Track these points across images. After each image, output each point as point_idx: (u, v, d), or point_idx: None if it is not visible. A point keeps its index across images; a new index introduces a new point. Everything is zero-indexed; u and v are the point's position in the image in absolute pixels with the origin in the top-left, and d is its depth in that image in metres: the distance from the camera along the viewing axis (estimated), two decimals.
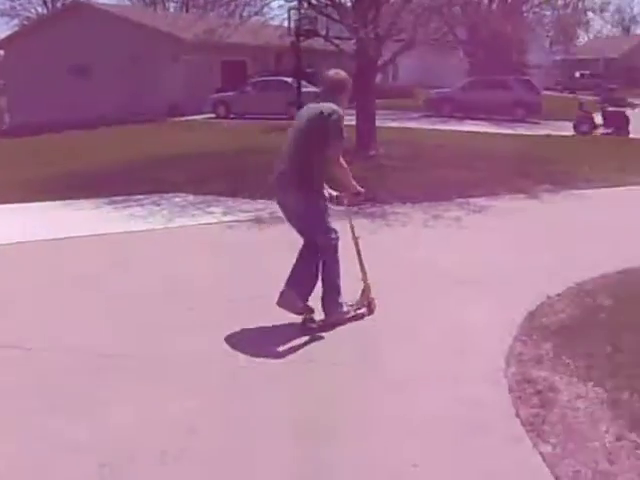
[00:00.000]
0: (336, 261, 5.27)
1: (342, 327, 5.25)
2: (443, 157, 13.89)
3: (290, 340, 4.98)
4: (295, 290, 5.12)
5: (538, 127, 23.35)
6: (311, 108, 5.26)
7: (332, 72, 5.47)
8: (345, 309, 5.33)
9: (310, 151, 5.09)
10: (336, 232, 5.27)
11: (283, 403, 4.11)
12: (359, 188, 5.65)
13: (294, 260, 5.23)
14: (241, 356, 4.71)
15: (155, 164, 13.57)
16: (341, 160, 5.21)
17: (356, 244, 5.48)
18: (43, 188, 11.13)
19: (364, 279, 5.47)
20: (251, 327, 5.23)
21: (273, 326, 5.23)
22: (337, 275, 5.28)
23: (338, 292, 5.29)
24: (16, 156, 17.16)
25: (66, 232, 8.24)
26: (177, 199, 10.15)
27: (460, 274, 6.55)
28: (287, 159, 5.17)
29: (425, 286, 6.27)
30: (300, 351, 4.84)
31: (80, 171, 13.02)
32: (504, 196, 10.44)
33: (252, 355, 4.73)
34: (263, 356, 4.71)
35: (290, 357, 4.74)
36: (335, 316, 5.27)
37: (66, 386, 4.32)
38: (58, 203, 10.04)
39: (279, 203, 5.40)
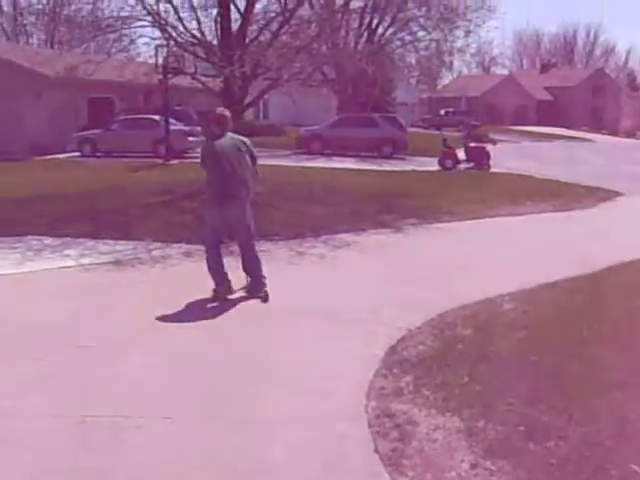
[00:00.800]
0: None
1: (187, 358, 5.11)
2: (309, 194, 14.03)
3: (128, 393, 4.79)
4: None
5: (404, 163, 24.08)
6: (233, 139, 7.02)
7: (222, 110, 7.20)
8: None
9: (249, 171, 7.10)
10: None
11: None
12: None
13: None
14: (84, 412, 4.46)
15: (13, 205, 12.93)
16: None
17: None
18: None
19: None
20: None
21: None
22: None
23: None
24: None
25: None
26: (34, 242, 9.65)
27: (321, 310, 6.55)
28: (232, 180, 6.84)
29: (288, 324, 6.21)
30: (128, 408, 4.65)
31: None
32: (369, 231, 10.62)
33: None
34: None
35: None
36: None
37: None
38: None
39: (226, 217, 6.97)
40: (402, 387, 4.76)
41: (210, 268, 7.04)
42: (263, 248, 9.28)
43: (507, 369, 5.08)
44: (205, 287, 7.30)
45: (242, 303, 6.83)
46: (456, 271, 8.17)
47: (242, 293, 7.06)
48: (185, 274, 8.05)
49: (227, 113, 7.11)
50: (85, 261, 8.52)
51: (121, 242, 9.46)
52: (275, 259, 8.72)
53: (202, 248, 8.33)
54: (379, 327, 6.02)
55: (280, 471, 3.75)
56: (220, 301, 6.82)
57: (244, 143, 7.15)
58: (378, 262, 8.76)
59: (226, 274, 7.06)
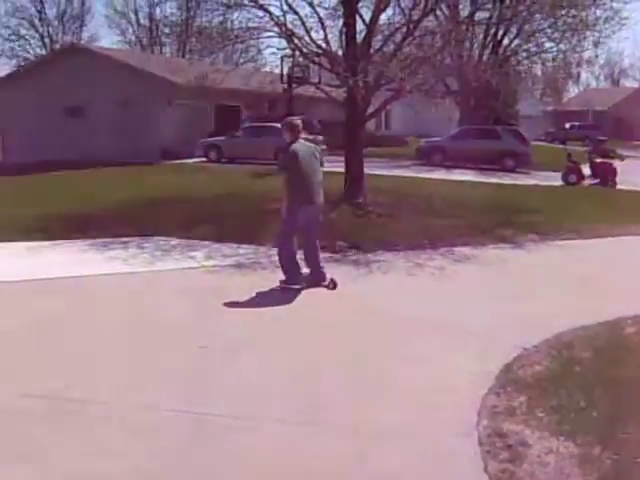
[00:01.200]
0: None
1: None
2: (429, 206, 13.98)
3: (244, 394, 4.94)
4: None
5: (526, 177, 23.55)
6: (307, 146, 7.83)
7: (292, 119, 8.03)
8: None
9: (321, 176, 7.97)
10: None
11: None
12: None
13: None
14: (200, 409, 4.63)
15: (144, 207, 13.60)
16: None
17: None
18: (30, 228, 11.11)
19: None
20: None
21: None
22: None
23: None
24: (6, 195, 17.16)
25: (45, 273, 8.22)
26: (161, 242, 10.15)
27: (437, 324, 6.54)
28: (313, 183, 7.73)
29: (403, 335, 6.25)
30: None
31: (69, 212, 13.02)
32: (488, 245, 10.48)
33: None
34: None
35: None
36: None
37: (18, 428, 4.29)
38: (44, 244, 10.02)
39: (309, 219, 7.78)
40: (515, 407, 4.70)
41: (288, 263, 7.70)
42: (382, 258, 9.39)
43: (627, 396, 4.92)
44: (322, 293, 7.48)
45: (359, 309, 6.92)
46: (577, 290, 7.95)
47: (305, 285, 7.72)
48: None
49: (298, 122, 7.84)
50: (209, 263, 8.88)
51: (243, 246, 9.79)
52: (394, 269, 8.79)
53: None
54: (495, 344, 5.95)
55: None
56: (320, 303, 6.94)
57: (318, 150, 7.98)
58: (497, 277, 8.65)
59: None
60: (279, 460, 3.97)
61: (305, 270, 7.89)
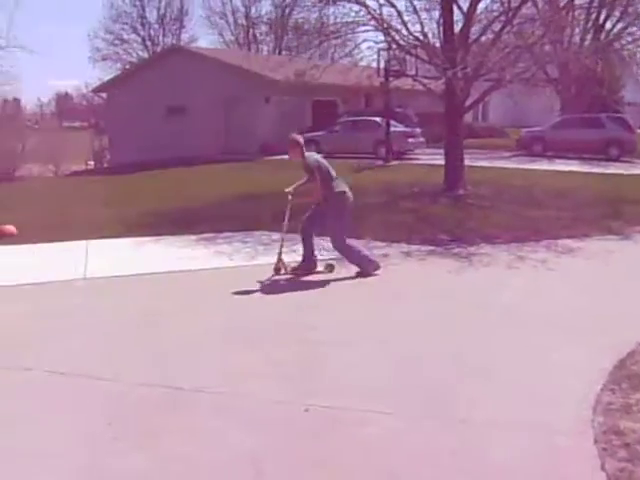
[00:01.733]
0: None
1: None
2: (532, 197, 13.66)
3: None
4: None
5: (632, 166, 22.63)
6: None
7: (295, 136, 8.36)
8: None
9: None
10: None
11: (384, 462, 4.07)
12: None
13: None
14: (308, 401, 4.68)
15: (245, 202, 13.87)
16: None
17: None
18: (137, 224, 11.53)
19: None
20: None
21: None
22: None
23: None
24: (114, 193, 17.84)
25: (150, 267, 8.51)
26: (263, 237, 10.33)
27: (547, 317, 6.39)
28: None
29: (510, 329, 6.14)
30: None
31: (173, 208, 13.43)
32: (593, 237, 10.15)
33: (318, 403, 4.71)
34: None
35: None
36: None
37: (131, 417, 4.44)
38: (151, 239, 10.36)
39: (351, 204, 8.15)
40: (631, 404, 4.53)
41: (355, 254, 8.11)
42: (483, 251, 9.24)
43: None
44: (427, 288, 7.44)
45: (460, 302, 6.84)
46: None
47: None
48: (405, 274, 8.21)
49: (301, 140, 8.31)
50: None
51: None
52: (495, 262, 8.64)
53: (414, 249, 9.29)
54: (606, 339, 5.76)
55: (500, 477, 3.74)
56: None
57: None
58: (604, 270, 8.37)
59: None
60: (388, 453, 3.97)
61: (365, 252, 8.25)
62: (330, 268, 8.25)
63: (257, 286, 7.70)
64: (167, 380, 4.98)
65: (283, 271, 8.16)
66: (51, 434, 4.22)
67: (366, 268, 8.05)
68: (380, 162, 23.11)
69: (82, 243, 10.11)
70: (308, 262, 8.24)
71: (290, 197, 8.47)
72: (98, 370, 5.19)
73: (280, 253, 8.20)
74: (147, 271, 8.35)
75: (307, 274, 8.10)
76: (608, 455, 3.89)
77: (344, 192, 8.10)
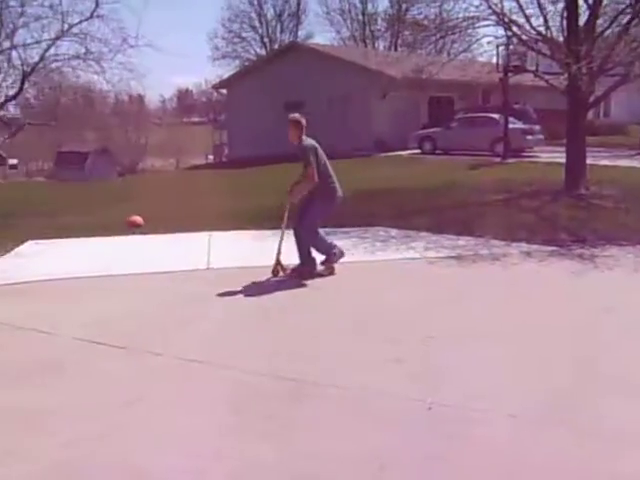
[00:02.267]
0: None
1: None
2: None
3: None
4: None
5: None
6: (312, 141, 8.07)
7: (297, 116, 8.23)
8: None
9: None
10: None
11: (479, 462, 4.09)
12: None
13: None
14: (432, 395, 4.69)
15: (363, 198, 13.97)
16: None
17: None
18: (257, 217, 11.85)
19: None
20: (447, 365, 5.26)
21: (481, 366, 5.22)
22: None
23: None
24: (233, 186, 18.36)
25: (269, 260, 8.75)
26: (381, 233, 10.42)
27: None
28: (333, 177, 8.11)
29: (635, 335, 5.95)
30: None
31: (291, 202, 13.67)
32: None
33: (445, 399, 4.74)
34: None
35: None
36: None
37: (256, 407, 4.56)
38: (271, 232, 10.63)
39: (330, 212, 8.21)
40: None
41: (324, 244, 8.07)
42: (607, 253, 8.97)
43: None
44: (550, 289, 7.33)
45: (585, 305, 6.69)
46: None
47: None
48: (526, 274, 8.08)
49: (303, 121, 8.13)
50: (429, 254, 8.98)
51: (462, 238, 9.78)
52: (621, 265, 8.36)
53: (534, 249, 8.99)
54: None
55: None
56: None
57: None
58: None
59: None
60: (513, 458, 3.92)
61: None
62: (331, 270, 8.06)
63: (375, 280, 7.78)
64: (291, 373, 5.10)
65: (282, 274, 7.98)
66: (177, 418, 4.42)
67: (332, 257, 8.04)
68: (497, 159, 22.73)
69: (204, 234, 10.52)
70: (307, 264, 8.04)
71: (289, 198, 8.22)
72: (225, 359, 5.38)
73: (278, 254, 8.01)
74: (267, 264, 8.59)
75: (308, 277, 7.88)
76: None
77: (337, 191, 8.05)
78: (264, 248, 9.60)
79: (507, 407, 4.48)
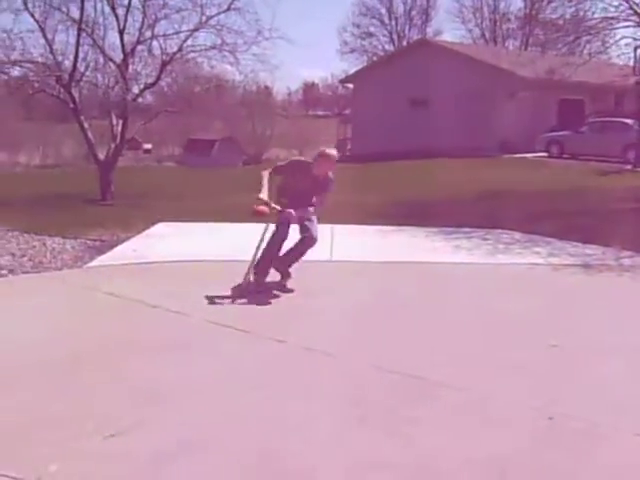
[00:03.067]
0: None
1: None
2: None
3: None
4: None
5: None
6: None
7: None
8: None
9: None
10: None
11: None
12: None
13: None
14: (553, 409, 4.59)
15: (486, 199, 13.84)
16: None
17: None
18: (379, 212, 11.95)
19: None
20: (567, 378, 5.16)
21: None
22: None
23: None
24: (356, 180, 18.50)
25: (392, 256, 8.85)
26: (504, 236, 10.27)
27: None
28: None
29: None
30: None
31: (413, 200, 13.74)
32: None
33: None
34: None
35: None
36: None
37: (377, 402, 4.60)
38: (392, 228, 10.72)
39: None
40: None
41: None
42: None
43: None
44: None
45: None
46: None
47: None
48: None
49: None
50: (554, 260, 8.79)
51: (589, 246, 9.50)
52: None
53: None
54: None
55: None
56: None
57: None
58: None
59: None
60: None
61: None
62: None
63: (496, 285, 7.71)
64: (411, 369, 5.10)
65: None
66: (297, 405, 4.51)
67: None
68: (629, 167, 21.86)
69: (327, 227, 10.68)
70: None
71: None
72: (346, 351, 5.46)
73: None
74: (389, 259, 8.68)
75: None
76: None
77: None
78: (385, 243, 9.71)
79: (633, 426, 4.35)
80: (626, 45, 22.63)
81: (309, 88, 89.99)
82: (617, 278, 8.05)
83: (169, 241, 9.76)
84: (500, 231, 10.54)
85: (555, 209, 12.47)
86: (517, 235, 10.30)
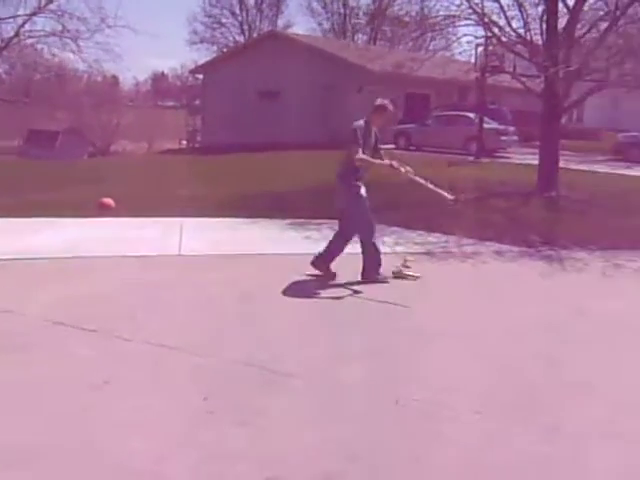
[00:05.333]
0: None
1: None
2: (627, 204, 13.25)
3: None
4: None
5: None
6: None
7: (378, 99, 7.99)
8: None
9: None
10: None
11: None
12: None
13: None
14: (400, 389, 4.71)
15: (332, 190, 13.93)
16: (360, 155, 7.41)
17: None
18: (231, 205, 11.78)
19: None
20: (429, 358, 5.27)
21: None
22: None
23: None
24: (206, 173, 18.24)
25: (244, 249, 8.74)
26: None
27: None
28: None
29: (607, 338, 6.00)
30: None
31: (265, 191, 13.65)
32: None
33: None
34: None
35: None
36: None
37: (227, 394, 4.55)
38: (244, 220, 10.59)
39: None
40: None
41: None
42: (576, 256, 9.08)
43: None
44: (520, 289, 7.39)
45: (553, 306, 6.75)
46: None
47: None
48: (496, 273, 8.16)
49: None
50: (399, 249, 9.00)
51: (433, 234, 9.83)
52: (589, 268, 8.47)
53: (505, 249, 9.19)
54: None
55: None
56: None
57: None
58: None
59: None
60: (475, 453, 3.95)
61: None
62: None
63: (344, 273, 7.79)
64: (264, 361, 5.07)
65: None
66: (144, 404, 4.38)
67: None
68: (471, 158, 22.88)
69: (177, 220, 10.41)
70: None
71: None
72: (195, 345, 5.36)
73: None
74: (241, 252, 8.56)
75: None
76: None
77: None
78: (236, 236, 9.58)
79: (473, 404, 4.52)
80: (467, 43, 23.63)
81: (158, 78, 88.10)
82: (460, 265, 8.36)
83: (2, 238, 9.14)
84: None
85: (401, 199, 12.74)
86: None
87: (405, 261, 7.84)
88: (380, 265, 7.43)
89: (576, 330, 6.19)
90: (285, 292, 6.95)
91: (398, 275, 7.59)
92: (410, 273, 7.63)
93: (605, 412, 4.52)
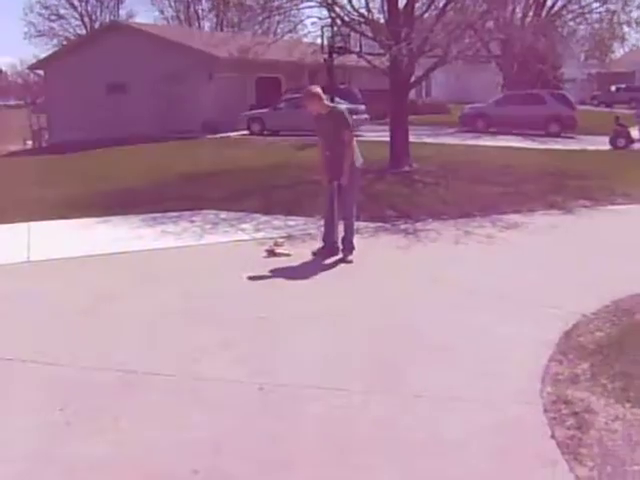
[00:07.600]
0: None
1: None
2: (476, 173, 13.82)
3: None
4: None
5: (573, 142, 23.11)
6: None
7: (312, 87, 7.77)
8: None
9: None
10: None
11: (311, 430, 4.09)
12: None
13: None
14: (262, 380, 4.66)
15: (191, 181, 13.70)
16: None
17: None
18: (81, 205, 11.27)
19: None
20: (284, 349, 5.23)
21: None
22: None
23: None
24: (55, 173, 17.41)
25: (98, 249, 8.34)
26: (211, 216, 10.22)
27: (492, 292, 6.49)
28: None
29: (456, 304, 6.21)
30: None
31: (118, 189, 13.18)
32: (538, 212, 10.32)
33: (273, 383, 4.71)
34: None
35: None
36: None
37: (85, 403, 4.35)
38: (95, 220, 10.14)
39: None
40: (578, 374, 4.65)
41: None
42: (430, 227, 9.33)
43: None
44: (378, 263, 7.50)
45: (409, 278, 6.89)
46: (632, 256, 7.78)
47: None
48: (355, 250, 8.22)
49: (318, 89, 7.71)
50: (259, 235, 8.92)
51: (293, 218, 9.81)
52: (442, 238, 8.74)
53: (362, 225, 9.16)
54: (551, 311, 5.88)
55: (454, 450, 3.79)
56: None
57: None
58: (548, 244, 8.52)
59: None
60: (344, 429, 3.99)
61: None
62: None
63: (206, 265, 7.64)
64: (120, 364, 4.89)
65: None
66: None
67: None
68: None
69: (24, 225, 9.83)
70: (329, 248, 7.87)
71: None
72: (47, 355, 5.08)
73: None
74: (94, 253, 8.18)
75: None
76: (557, 424, 3.98)
77: (359, 160, 7.99)
78: (89, 237, 9.15)
79: (338, 381, 4.56)
80: (312, 24, 23.75)
81: None
82: (318, 245, 8.35)
83: None
84: (206, 212, 10.48)
85: (259, 185, 12.71)
86: (223, 214, 10.29)
87: (275, 243, 8.06)
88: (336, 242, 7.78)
89: (430, 298, 6.37)
90: (140, 291, 6.71)
91: (272, 254, 7.76)
92: (283, 251, 7.87)
93: (459, 375, 4.68)
